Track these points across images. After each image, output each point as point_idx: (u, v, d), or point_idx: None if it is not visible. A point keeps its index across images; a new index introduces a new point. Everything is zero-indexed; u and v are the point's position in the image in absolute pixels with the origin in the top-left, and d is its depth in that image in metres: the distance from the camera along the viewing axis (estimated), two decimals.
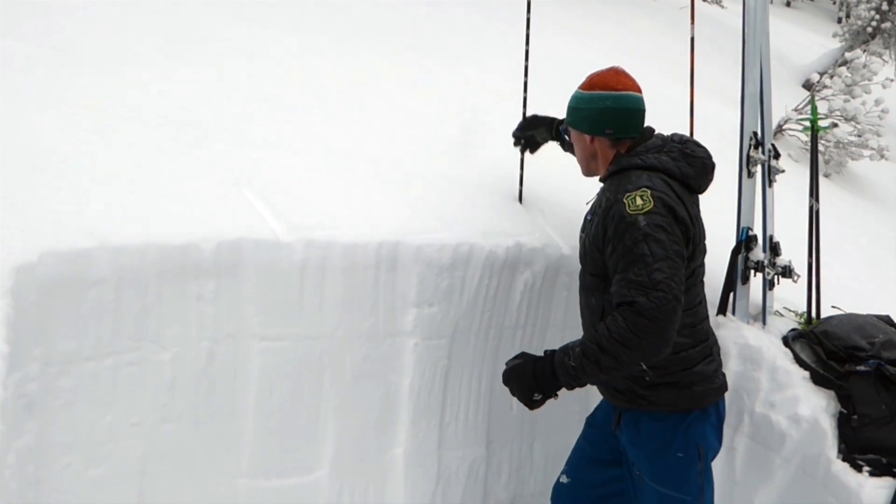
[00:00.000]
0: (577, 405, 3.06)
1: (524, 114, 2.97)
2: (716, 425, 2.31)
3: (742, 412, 2.71)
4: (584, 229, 2.30)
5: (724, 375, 2.35)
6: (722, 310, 2.86)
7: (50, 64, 2.77)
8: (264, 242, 2.27)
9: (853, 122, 6.77)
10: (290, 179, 2.59)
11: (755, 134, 2.88)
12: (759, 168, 2.91)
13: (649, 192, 2.09)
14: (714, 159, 2.30)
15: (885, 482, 2.43)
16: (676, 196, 2.15)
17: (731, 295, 2.87)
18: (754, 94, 2.89)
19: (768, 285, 2.93)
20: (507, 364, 2.24)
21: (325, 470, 2.46)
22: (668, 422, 2.24)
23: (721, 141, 3.83)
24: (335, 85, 3.57)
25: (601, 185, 2.31)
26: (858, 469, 2.46)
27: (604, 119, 2.25)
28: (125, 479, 2.09)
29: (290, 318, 2.33)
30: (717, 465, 2.75)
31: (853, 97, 6.96)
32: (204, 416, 2.21)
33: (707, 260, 3.04)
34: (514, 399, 2.26)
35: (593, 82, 2.29)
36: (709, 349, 2.30)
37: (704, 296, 2.32)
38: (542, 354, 2.18)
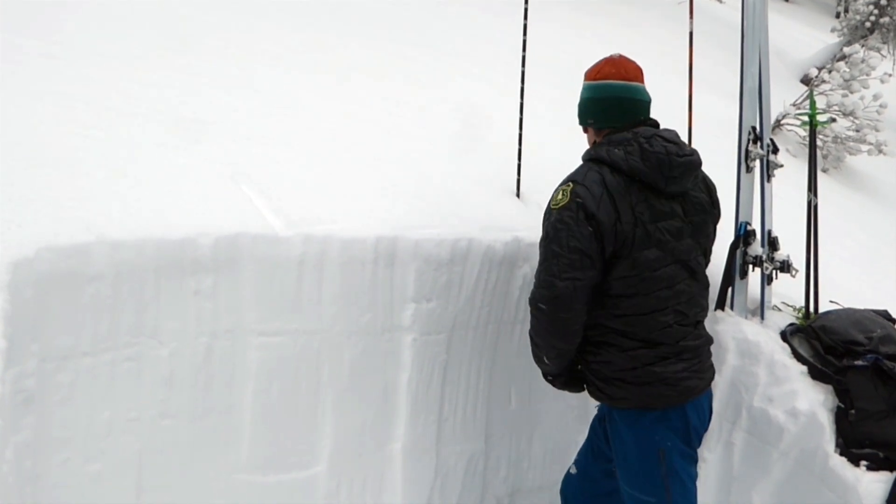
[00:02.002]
0: (575, 400, 3.06)
1: (521, 107, 2.96)
2: (680, 430, 2.23)
3: (740, 406, 2.72)
4: None
5: (699, 380, 2.25)
6: (720, 304, 2.86)
7: (48, 57, 2.76)
8: (262, 237, 2.27)
9: (851, 117, 6.77)
10: (288, 174, 2.58)
11: (754, 129, 2.88)
12: (757, 163, 2.91)
13: (572, 186, 2.14)
14: (696, 156, 2.22)
15: (882, 476, 2.44)
16: (609, 193, 2.11)
17: (730, 290, 2.87)
18: (753, 88, 2.88)
19: (766, 280, 2.93)
20: None
21: (324, 465, 2.46)
22: (628, 418, 2.26)
23: (719, 136, 3.83)
24: (334, 80, 3.57)
25: None
26: (856, 463, 2.47)
27: (585, 109, 2.29)
28: (123, 474, 2.09)
29: (288, 313, 2.32)
30: (715, 460, 2.76)
31: (851, 92, 6.96)
32: (202, 411, 2.21)
33: None
34: (513, 393, 2.28)
35: (588, 72, 2.31)
36: (674, 352, 2.21)
37: (675, 300, 2.21)
38: None
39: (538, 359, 2.32)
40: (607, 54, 2.32)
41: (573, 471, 2.56)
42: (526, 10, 2.95)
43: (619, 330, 2.22)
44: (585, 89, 2.29)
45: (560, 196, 2.14)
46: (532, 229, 2.83)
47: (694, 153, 2.24)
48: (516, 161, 2.99)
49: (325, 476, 2.46)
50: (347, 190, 2.62)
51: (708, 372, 2.31)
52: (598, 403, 2.45)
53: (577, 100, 2.31)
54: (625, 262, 2.15)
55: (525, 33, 2.95)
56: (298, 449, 2.41)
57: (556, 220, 2.13)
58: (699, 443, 2.32)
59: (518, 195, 3.00)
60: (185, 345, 2.16)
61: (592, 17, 7.16)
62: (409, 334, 2.56)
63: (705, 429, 2.33)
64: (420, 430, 2.65)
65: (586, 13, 7.16)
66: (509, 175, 3.02)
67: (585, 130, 2.33)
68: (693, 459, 2.29)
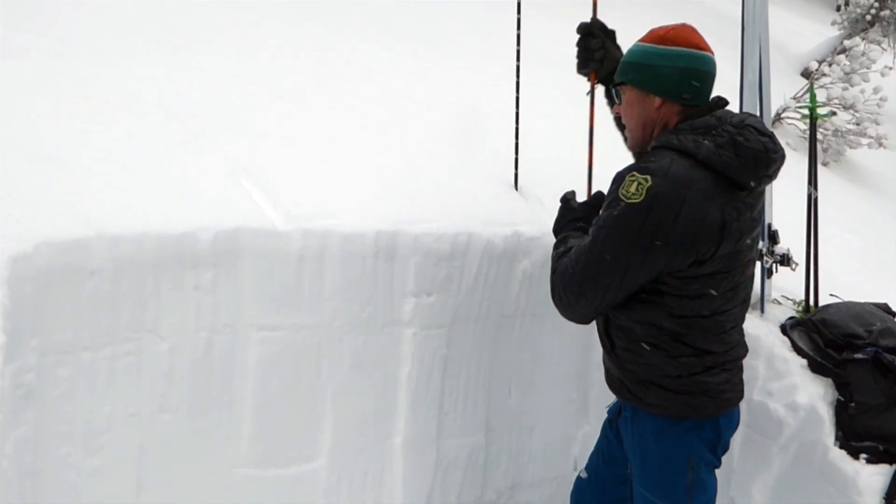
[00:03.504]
0: (576, 393, 3.07)
1: (517, 100, 2.95)
2: (711, 441, 2.10)
3: None
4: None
5: (736, 392, 2.14)
6: None
7: (46, 52, 2.76)
8: (262, 232, 2.26)
9: (852, 111, 6.76)
10: (287, 169, 2.58)
11: None
12: None
13: (650, 182, 1.83)
14: (783, 150, 2.00)
15: (881, 469, 2.44)
16: (695, 196, 1.85)
17: None
18: (753, 82, 2.88)
19: (767, 273, 2.93)
20: (562, 198, 2.27)
21: (324, 459, 2.46)
22: (659, 424, 2.08)
23: None
24: (333, 74, 3.56)
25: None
26: (855, 456, 2.47)
27: (684, 81, 1.93)
28: (123, 469, 2.09)
29: (288, 307, 2.32)
30: None
31: (852, 85, 6.95)
32: (202, 405, 2.21)
33: None
34: (513, 387, 2.24)
35: (667, 36, 1.96)
36: (720, 362, 2.06)
37: (735, 300, 2.04)
38: (576, 213, 2.17)
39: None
40: (675, 22, 2.03)
41: (583, 475, 2.42)
42: (519, 3, 2.94)
43: (674, 332, 1.99)
44: (682, 57, 1.93)
45: (634, 189, 1.84)
46: (532, 223, 2.83)
47: (781, 147, 2.01)
48: (514, 155, 2.98)
49: (326, 470, 2.46)
50: (347, 184, 2.62)
51: (741, 383, 2.19)
52: (608, 405, 2.36)
53: (647, 65, 1.96)
54: (698, 266, 1.92)
55: (518, 27, 2.94)
56: (298, 443, 2.41)
57: (622, 215, 1.85)
58: (724, 453, 2.18)
59: (517, 189, 2.99)
60: (184, 339, 2.16)
61: (589, 9, 7.14)
62: (409, 328, 2.56)
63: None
64: (420, 424, 2.65)
65: (586, 7, 7.13)
66: (508, 169, 3.01)
67: (661, 106, 1.97)
68: (715, 468, 2.17)
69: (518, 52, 2.91)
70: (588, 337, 2.91)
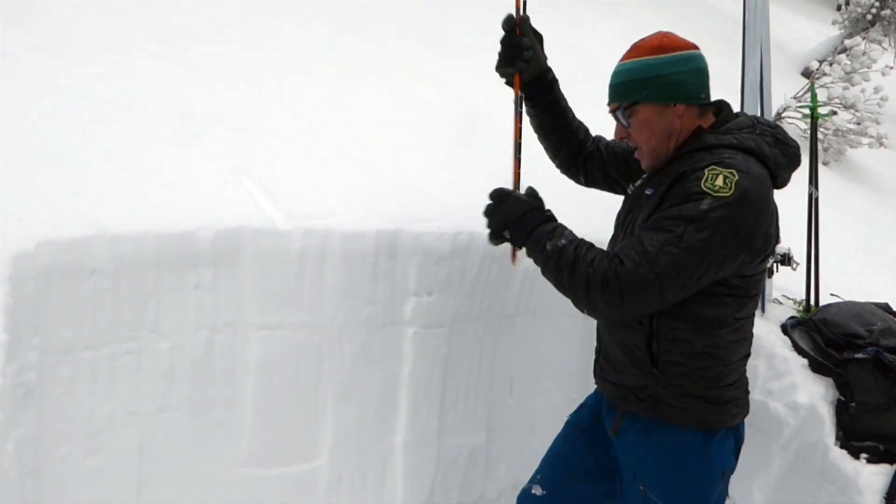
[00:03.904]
0: (576, 393, 3.06)
1: (520, 100, 2.94)
2: (735, 448, 2.06)
3: None
4: (635, 207, 1.99)
5: (748, 394, 2.09)
6: None
7: (47, 51, 2.75)
8: (263, 231, 2.27)
9: (852, 110, 6.76)
10: (288, 168, 2.58)
11: None
12: None
13: (737, 177, 1.74)
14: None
15: (882, 469, 2.44)
16: (771, 191, 1.85)
17: None
18: (754, 81, 2.88)
19: (767, 273, 2.93)
20: (500, 193, 2.01)
21: (324, 458, 2.46)
22: (691, 438, 1.96)
23: None
24: (334, 73, 3.56)
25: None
26: (856, 456, 2.47)
27: (699, 81, 1.90)
28: (124, 468, 2.09)
29: (288, 306, 2.32)
30: None
31: (852, 85, 6.95)
32: (202, 404, 2.21)
33: None
34: (514, 386, 2.18)
35: (661, 45, 1.92)
36: (745, 366, 2.05)
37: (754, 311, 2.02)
38: (537, 203, 1.98)
39: (558, 285, 1.89)
40: (650, 34, 2.01)
41: (538, 492, 2.21)
42: (522, 3, 2.93)
43: (733, 338, 1.93)
44: (689, 59, 1.90)
45: (721, 182, 1.73)
46: None
47: None
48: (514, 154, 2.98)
49: (326, 469, 2.46)
50: (348, 183, 2.62)
51: None
52: (572, 415, 2.28)
53: (661, 75, 1.90)
54: (760, 263, 1.88)
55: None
56: (299, 442, 2.41)
57: (708, 212, 1.72)
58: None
59: (518, 188, 2.99)
60: (185, 338, 2.16)
61: (591, 10, 7.15)
62: (409, 327, 2.56)
63: None
64: (421, 423, 2.65)
65: (588, 7, 7.15)
66: (509, 168, 3.00)
67: (682, 113, 1.91)
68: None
69: None
70: (589, 336, 2.91)
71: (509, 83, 2.18)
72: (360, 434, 2.53)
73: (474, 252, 2.64)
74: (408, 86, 3.73)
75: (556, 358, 2.99)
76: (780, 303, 3.01)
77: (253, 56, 3.36)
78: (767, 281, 2.93)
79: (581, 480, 2.18)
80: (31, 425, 1.85)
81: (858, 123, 6.78)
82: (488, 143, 3.18)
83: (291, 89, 3.20)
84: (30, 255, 1.86)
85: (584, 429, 2.21)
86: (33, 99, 2.44)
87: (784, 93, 6.54)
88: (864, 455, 2.46)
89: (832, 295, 3.04)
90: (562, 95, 2.29)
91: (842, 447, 2.50)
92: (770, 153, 1.86)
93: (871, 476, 2.42)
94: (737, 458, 2.08)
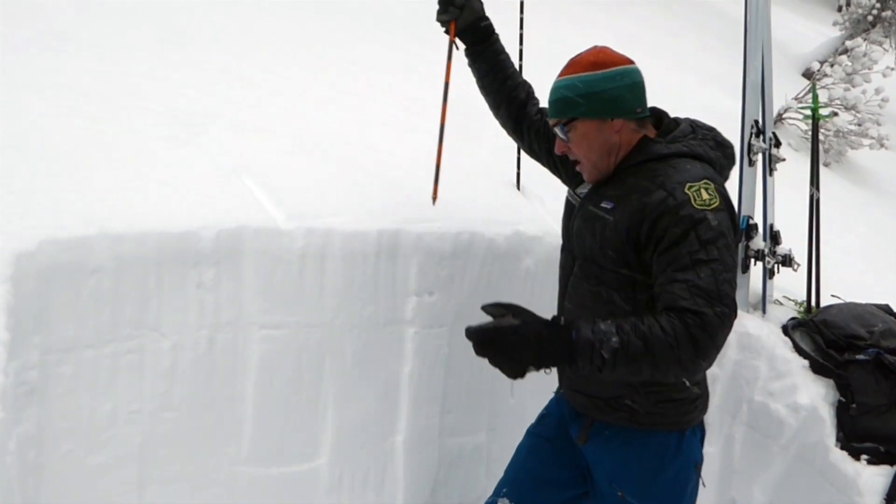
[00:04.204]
0: None
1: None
2: (701, 440, 2.11)
3: (741, 400, 2.72)
4: (590, 219, 1.97)
5: None
6: None
7: (47, 50, 2.76)
8: (264, 230, 2.27)
9: (853, 111, 6.76)
10: (289, 167, 2.58)
11: (756, 122, 2.88)
12: (759, 157, 2.91)
13: (713, 184, 1.80)
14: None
15: (882, 470, 2.44)
16: None
17: None
18: (756, 82, 2.88)
19: (768, 274, 2.93)
20: (490, 324, 1.75)
21: (325, 457, 2.47)
22: (665, 440, 2.01)
23: (721, 129, 3.80)
24: (335, 72, 3.56)
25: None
26: (856, 457, 2.47)
27: (634, 95, 1.93)
28: (125, 466, 2.09)
29: (289, 305, 2.32)
30: (715, 453, 2.76)
31: (853, 86, 6.94)
32: (203, 403, 2.21)
33: None
34: (514, 385, 2.14)
35: (598, 60, 1.93)
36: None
37: None
38: (540, 317, 1.76)
39: (643, 373, 1.75)
40: (592, 46, 2.02)
41: None
42: (522, 2, 2.94)
43: None
44: (625, 74, 1.92)
45: (706, 195, 1.79)
46: (534, 222, 2.84)
47: None
48: (516, 154, 2.99)
49: (327, 468, 2.47)
50: (349, 183, 2.62)
51: None
52: (532, 427, 2.27)
53: (598, 91, 1.91)
54: None
55: (521, 27, 2.94)
56: (300, 441, 2.41)
57: (720, 223, 1.77)
58: None
59: (518, 188, 3.00)
60: (186, 337, 2.16)
61: (593, 9, 7.15)
62: (411, 327, 2.56)
63: None
64: (422, 423, 2.65)
65: (589, 6, 7.15)
66: (510, 168, 3.01)
67: (620, 128, 1.93)
68: None
69: (521, 51, 2.92)
70: None
71: (447, 32, 2.29)
72: (361, 433, 2.53)
73: (475, 252, 2.64)
74: (409, 85, 3.73)
75: None
76: (781, 304, 3.01)
77: (254, 55, 3.36)
78: (768, 282, 2.93)
79: (549, 489, 2.18)
80: (32, 423, 1.86)
81: (859, 125, 6.77)
82: (490, 143, 3.18)
83: (293, 89, 3.20)
84: (32, 254, 1.87)
85: (549, 438, 2.20)
86: (35, 98, 2.44)
87: (785, 94, 6.53)
88: (864, 456, 2.46)
89: (833, 296, 3.04)
90: (501, 49, 2.34)
91: (842, 448, 2.50)
92: (714, 156, 1.93)
93: (871, 477, 2.42)
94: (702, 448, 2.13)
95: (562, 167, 2.23)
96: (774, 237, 2.96)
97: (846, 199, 5.92)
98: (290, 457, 2.40)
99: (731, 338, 2.72)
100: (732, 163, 2.02)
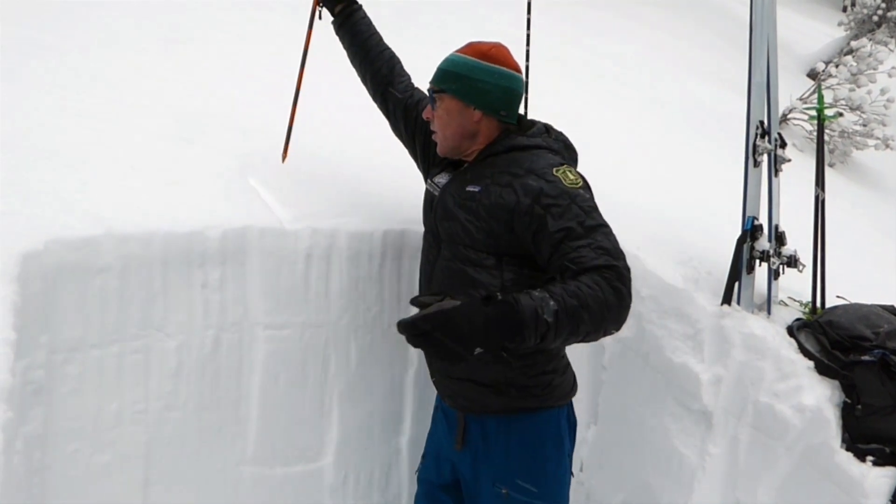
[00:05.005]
0: (582, 394, 3.06)
1: (526, 100, 2.95)
2: (572, 427, 2.19)
3: (745, 402, 2.71)
4: (457, 203, 2.03)
5: None
6: (727, 299, 2.85)
7: (51, 50, 2.77)
8: (270, 230, 2.27)
9: (858, 112, 6.75)
10: (295, 167, 2.58)
11: (761, 123, 2.87)
12: (765, 157, 2.90)
13: (572, 166, 2.02)
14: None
15: (888, 471, 2.43)
16: None
17: (736, 284, 2.86)
18: (761, 83, 2.87)
19: (773, 275, 2.93)
20: (431, 309, 1.68)
21: (330, 458, 2.47)
22: (538, 420, 2.09)
23: (726, 130, 3.81)
24: (338, 72, 3.56)
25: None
26: (862, 458, 2.46)
27: (503, 99, 2.05)
28: (131, 465, 2.10)
29: (295, 306, 2.33)
30: (720, 454, 2.76)
31: (858, 86, 6.93)
32: (209, 403, 2.22)
33: (712, 249, 3.04)
34: None
35: (489, 53, 2.04)
36: None
37: None
38: (476, 296, 1.70)
39: (583, 334, 1.76)
40: (495, 41, 2.11)
41: None
42: (529, 3, 2.94)
43: None
44: (505, 77, 2.04)
45: (573, 176, 1.95)
46: None
47: None
48: None
49: (332, 469, 2.47)
50: (355, 183, 2.62)
51: None
52: (419, 466, 2.33)
53: (471, 78, 2.02)
54: None
55: (528, 27, 2.94)
56: (305, 441, 2.42)
57: (591, 197, 1.94)
58: None
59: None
60: (192, 337, 2.17)
61: (598, 11, 7.15)
62: None
63: None
64: (427, 424, 2.65)
65: (594, 8, 7.14)
66: None
67: (480, 119, 2.04)
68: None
69: (528, 52, 2.92)
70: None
71: None
72: (366, 434, 2.53)
73: None
74: (417, 84, 3.72)
75: None
76: (786, 304, 3.00)
77: (258, 55, 3.37)
78: (773, 283, 2.93)
79: (449, 494, 2.24)
80: (39, 423, 1.87)
81: (864, 125, 6.77)
82: None
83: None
84: (38, 254, 1.87)
85: (443, 486, 2.25)
86: (40, 97, 2.45)
87: (790, 94, 6.53)
88: (869, 458, 2.45)
89: (838, 297, 3.03)
90: (362, 23, 2.46)
91: (847, 449, 2.49)
92: (564, 154, 2.10)
93: (876, 479, 2.41)
94: (573, 438, 2.21)
95: (421, 150, 2.33)
96: (779, 238, 2.96)
97: (851, 199, 5.91)
98: (295, 457, 2.40)
99: (736, 338, 2.73)
100: (575, 165, 2.14)
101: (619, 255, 1.83)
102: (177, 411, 2.16)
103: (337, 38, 2.51)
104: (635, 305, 2.87)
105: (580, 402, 3.04)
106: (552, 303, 1.68)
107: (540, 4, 3.00)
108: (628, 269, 1.82)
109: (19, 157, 2.14)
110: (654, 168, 4.22)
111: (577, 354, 2.99)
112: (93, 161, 2.24)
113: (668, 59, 6.35)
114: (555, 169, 1.95)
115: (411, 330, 1.66)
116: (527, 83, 2.96)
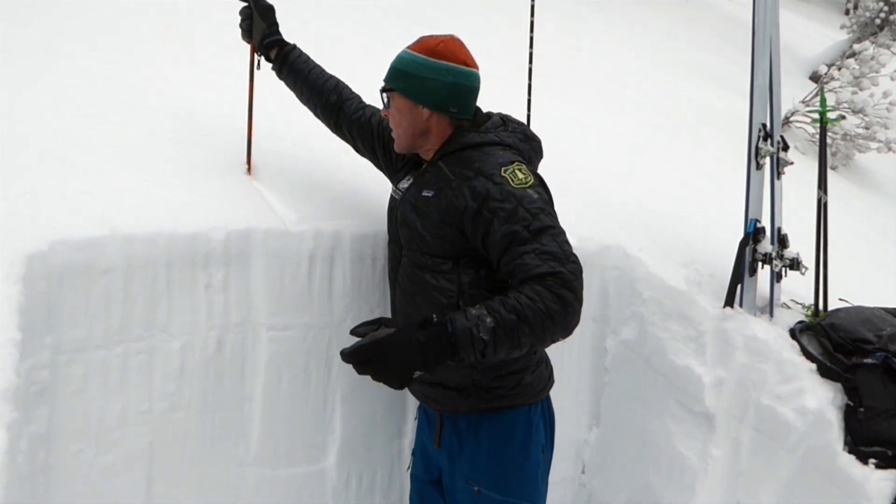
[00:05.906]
0: (585, 395, 3.07)
1: (529, 102, 2.95)
2: (548, 424, 2.19)
3: (748, 404, 2.71)
4: (413, 209, 2.04)
5: None
6: (729, 302, 2.86)
7: (53, 50, 2.77)
8: (273, 232, 2.28)
9: (861, 115, 6.75)
10: (299, 169, 2.59)
11: (764, 126, 2.88)
12: (767, 160, 2.90)
13: (525, 166, 1.95)
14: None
15: (890, 474, 2.43)
16: None
17: (739, 287, 2.87)
18: (763, 85, 2.88)
19: (776, 277, 2.93)
20: (366, 340, 1.74)
21: (333, 459, 2.47)
22: (511, 418, 2.08)
23: (728, 132, 3.81)
24: (341, 72, 3.56)
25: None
26: (864, 461, 2.46)
27: (452, 95, 2.02)
28: (134, 466, 2.10)
29: (298, 307, 2.33)
30: (722, 457, 2.76)
31: (861, 89, 6.94)
32: (212, 404, 2.22)
33: (715, 252, 3.05)
34: None
35: (437, 49, 2.01)
36: None
37: None
38: (411, 322, 1.78)
39: (526, 345, 1.80)
40: (448, 34, 2.09)
41: None
42: (532, 5, 2.94)
43: None
44: (450, 72, 2.00)
45: (521, 175, 1.91)
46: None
47: None
48: None
49: (334, 470, 2.47)
50: (358, 185, 2.63)
51: None
52: (410, 464, 2.36)
53: (416, 76, 2.00)
54: None
55: (532, 29, 2.95)
56: (308, 443, 2.42)
57: (540, 196, 1.90)
58: None
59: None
60: (196, 338, 2.17)
61: (602, 13, 7.16)
62: None
63: None
64: None
65: (597, 10, 7.15)
66: None
67: (429, 116, 2.03)
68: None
69: (531, 54, 2.92)
70: (598, 338, 2.92)
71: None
72: (368, 435, 2.53)
73: None
74: None
75: (563, 360, 2.98)
76: (789, 307, 3.00)
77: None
78: (776, 285, 2.93)
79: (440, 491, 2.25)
80: (43, 423, 1.87)
81: (867, 128, 6.77)
82: None
83: None
84: (43, 255, 1.88)
85: (431, 481, 2.27)
86: (42, 98, 2.46)
87: (792, 97, 6.53)
88: (872, 460, 2.45)
89: (841, 300, 3.03)
90: (301, 59, 2.44)
91: (850, 452, 2.49)
92: (523, 147, 2.06)
93: (879, 481, 2.41)
94: (550, 437, 2.20)
95: (384, 161, 2.33)
96: (782, 241, 2.96)
97: (854, 202, 5.91)
98: (298, 458, 2.40)
99: (738, 341, 2.74)
100: (540, 155, 2.15)
101: (565, 258, 1.82)
102: (180, 412, 2.16)
103: (284, 82, 2.51)
104: (637, 307, 2.90)
105: (582, 405, 3.06)
106: (489, 320, 1.73)
107: (541, 5, 3.01)
108: (577, 271, 1.81)
109: (24, 158, 2.15)
110: (657, 171, 4.23)
111: (578, 355, 3.00)
112: (98, 162, 2.25)
113: (670, 63, 6.36)
114: (503, 169, 1.93)
115: (352, 361, 1.74)
116: (529, 85, 2.97)
